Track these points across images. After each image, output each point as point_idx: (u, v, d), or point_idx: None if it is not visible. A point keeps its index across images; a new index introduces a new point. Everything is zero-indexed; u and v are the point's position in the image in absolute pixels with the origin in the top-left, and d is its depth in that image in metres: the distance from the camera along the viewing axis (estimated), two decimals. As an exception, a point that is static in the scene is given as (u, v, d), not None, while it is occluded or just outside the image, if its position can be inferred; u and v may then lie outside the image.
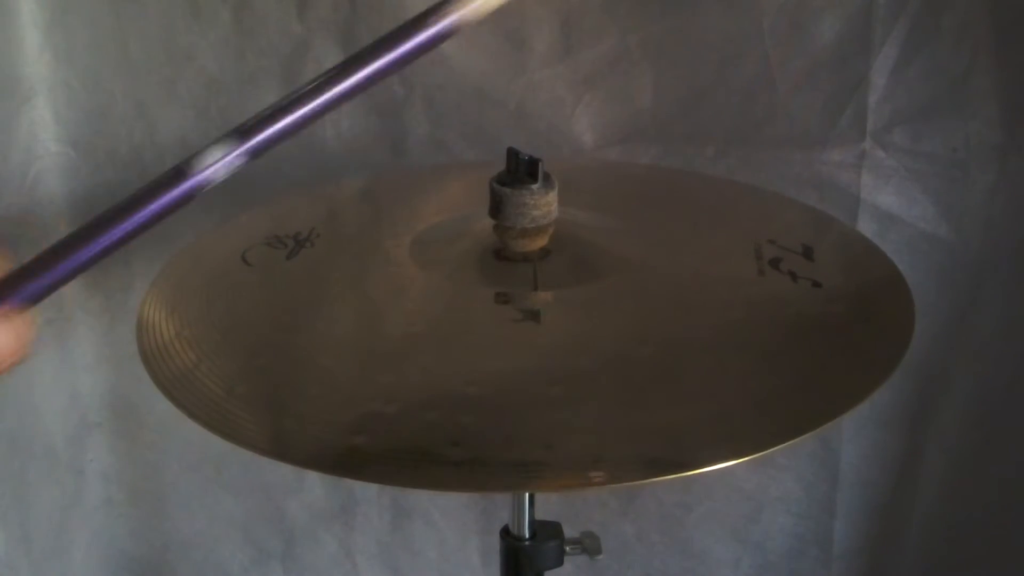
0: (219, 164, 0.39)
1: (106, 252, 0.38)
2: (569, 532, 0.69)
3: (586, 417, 0.50)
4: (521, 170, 0.61)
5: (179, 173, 0.39)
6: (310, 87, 0.40)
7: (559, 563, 0.68)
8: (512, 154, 0.62)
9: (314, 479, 1.01)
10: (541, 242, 0.63)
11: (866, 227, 0.84)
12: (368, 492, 1.02)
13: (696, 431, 0.49)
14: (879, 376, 0.52)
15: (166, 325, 0.58)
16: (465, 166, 0.87)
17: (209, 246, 0.71)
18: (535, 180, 0.61)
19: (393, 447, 0.48)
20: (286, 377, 0.54)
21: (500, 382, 0.52)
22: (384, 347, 0.57)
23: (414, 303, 0.61)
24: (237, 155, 0.39)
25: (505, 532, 0.68)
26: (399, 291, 0.63)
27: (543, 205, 0.61)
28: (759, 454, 0.47)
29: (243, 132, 0.39)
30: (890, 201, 0.84)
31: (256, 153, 0.40)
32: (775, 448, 0.47)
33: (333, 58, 0.85)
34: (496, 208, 0.62)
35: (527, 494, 0.66)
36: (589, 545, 0.69)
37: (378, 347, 0.57)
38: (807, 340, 0.57)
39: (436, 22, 0.41)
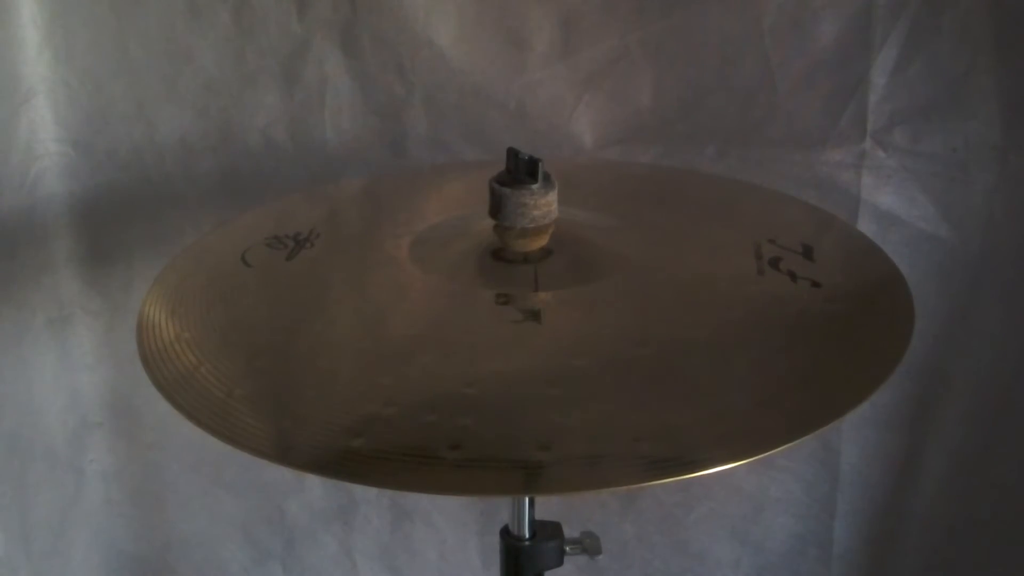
0: None
1: None
2: (569, 532, 0.68)
3: (586, 418, 0.50)
4: (521, 170, 0.61)
5: None
6: None
7: (559, 563, 0.68)
8: (512, 154, 0.62)
9: (314, 479, 1.01)
10: (541, 242, 0.63)
11: (866, 227, 0.84)
12: (368, 493, 1.02)
13: (696, 431, 0.49)
14: (879, 376, 0.52)
15: (166, 327, 0.58)
16: (465, 166, 0.87)
17: (209, 247, 0.71)
18: (535, 180, 0.61)
19: (393, 449, 0.48)
20: (286, 379, 0.54)
21: (500, 383, 0.52)
22: (384, 348, 0.56)
23: (414, 304, 0.61)
24: None
25: (505, 532, 0.68)
26: (399, 292, 0.62)
27: (543, 205, 0.61)
28: (760, 455, 0.47)
29: None
30: (890, 201, 0.84)
31: None
32: (776, 449, 0.47)
33: (333, 58, 0.86)
34: (496, 208, 0.62)
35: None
36: (589, 545, 0.69)
37: (378, 348, 0.57)
38: (807, 340, 0.57)
39: None
